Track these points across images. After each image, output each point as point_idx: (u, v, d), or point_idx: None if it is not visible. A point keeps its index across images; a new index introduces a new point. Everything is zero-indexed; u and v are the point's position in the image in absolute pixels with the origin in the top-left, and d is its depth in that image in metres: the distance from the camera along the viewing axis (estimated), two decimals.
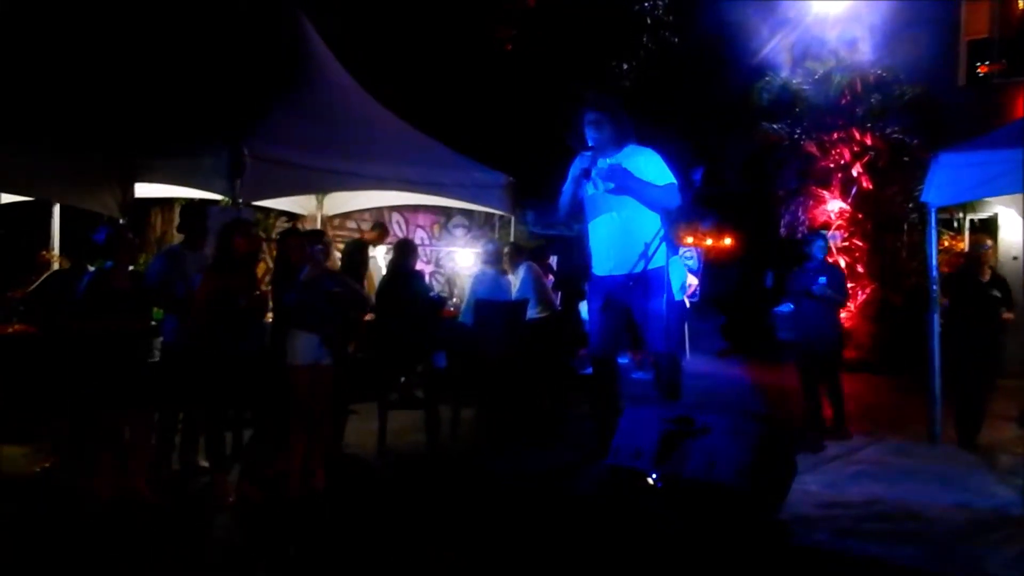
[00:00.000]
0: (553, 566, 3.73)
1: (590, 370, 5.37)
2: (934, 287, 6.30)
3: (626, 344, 7.91)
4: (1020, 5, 13.40)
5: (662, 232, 4.70)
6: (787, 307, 6.88)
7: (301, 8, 7.37)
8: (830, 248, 6.83)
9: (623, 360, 8.79)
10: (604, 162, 4.83)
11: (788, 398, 7.27)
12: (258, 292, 5.04)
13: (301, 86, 6.75)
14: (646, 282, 4.74)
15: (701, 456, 3.84)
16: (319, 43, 7.37)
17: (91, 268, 5.20)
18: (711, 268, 13.15)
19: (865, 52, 11.15)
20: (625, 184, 4.77)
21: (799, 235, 11.51)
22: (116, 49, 6.65)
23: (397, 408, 6.20)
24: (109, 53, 6.61)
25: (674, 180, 4.85)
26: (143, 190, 6.63)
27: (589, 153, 4.85)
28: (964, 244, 11.86)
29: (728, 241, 15.41)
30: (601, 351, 5.09)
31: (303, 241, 5.13)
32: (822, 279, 6.37)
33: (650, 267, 4.72)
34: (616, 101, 5.32)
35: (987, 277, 6.37)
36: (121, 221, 6.02)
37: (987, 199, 9.89)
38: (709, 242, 15.37)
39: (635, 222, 4.83)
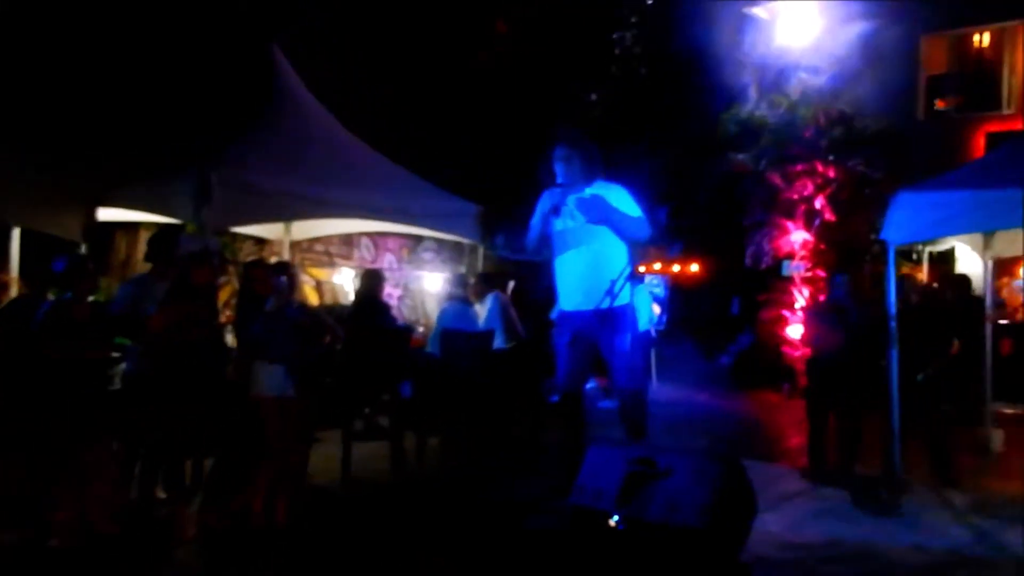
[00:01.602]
0: None
1: (556, 398, 5.39)
2: (892, 323, 6.40)
3: (593, 373, 7.96)
4: (976, 43, 13.82)
5: (628, 270, 4.77)
6: None
7: (276, 34, 7.37)
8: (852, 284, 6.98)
9: (591, 385, 8.81)
10: (586, 191, 4.87)
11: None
12: (216, 322, 5.01)
13: (270, 114, 6.73)
14: (612, 319, 4.80)
15: (663, 498, 3.85)
16: (290, 72, 7.36)
17: (50, 297, 5.13)
18: (678, 295, 13.28)
19: (828, 86, 11.37)
20: (604, 214, 4.80)
21: (763, 265, 11.70)
22: (85, 74, 6.60)
23: (362, 439, 6.16)
24: (77, 78, 6.55)
25: (642, 214, 4.93)
26: (107, 213, 6.56)
27: (559, 189, 4.91)
28: (923, 275, 12.14)
29: (695, 268, 15.58)
30: (568, 386, 5.11)
31: (268, 272, 5.11)
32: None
33: (616, 304, 4.77)
34: (586, 137, 5.38)
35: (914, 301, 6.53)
36: (82, 248, 5.95)
37: None
38: (676, 268, 15.54)
39: (603, 258, 4.88)
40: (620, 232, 4.85)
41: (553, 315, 7.55)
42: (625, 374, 4.81)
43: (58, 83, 6.55)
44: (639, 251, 5.07)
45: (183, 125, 6.19)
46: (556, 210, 4.87)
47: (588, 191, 4.88)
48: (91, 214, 6.27)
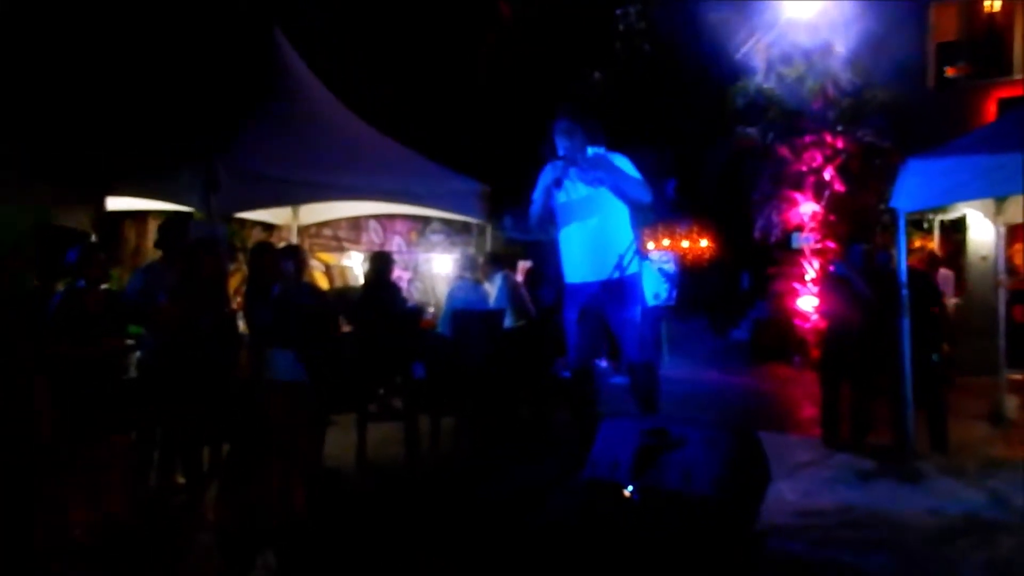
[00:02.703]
0: None
1: (567, 374, 5.40)
2: (904, 291, 6.38)
3: (604, 349, 7.97)
4: (986, 8, 13.64)
5: (634, 244, 4.77)
6: None
7: (280, 18, 7.35)
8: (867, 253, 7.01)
9: (602, 363, 8.82)
10: (590, 150, 4.85)
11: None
12: (226, 310, 5.03)
13: (275, 99, 6.73)
14: (621, 290, 4.81)
15: (678, 468, 3.87)
16: (294, 56, 7.35)
17: (60, 288, 5.15)
18: (689, 271, 13.26)
19: (836, 57, 11.27)
20: (607, 174, 4.79)
21: (772, 239, 11.66)
22: (90, 65, 6.62)
23: (376, 420, 6.19)
24: (84, 69, 6.57)
25: (642, 179, 4.93)
26: (116, 203, 6.59)
27: (561, 162, 4.90)
28: (935, 244, 12.07)
29: (704, 243, 15.57)
30: (579, 362, 5.12)
31: (276, 257, 5.11)
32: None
33: (625, 275, 4.77)
34: (587, 111, 5.38)
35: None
36: (93, 238, 5.98)
37: None
38: (686, 244, 15.53)
39: (607, 229, 4.88)
40: (621, 192, 4.83)
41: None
42: (636, 347, 4.81)
43: (63, 75, 6.56)
44: (645, 225, 5.07)
45: (189, 112, 6.19)
46: (559, 183, 4.86)
47: (591, 150, 4.88)
48: (100, 204, 6.30)
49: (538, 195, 5.02)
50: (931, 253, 9.67)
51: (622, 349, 5.02)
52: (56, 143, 6.03)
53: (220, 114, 6.24)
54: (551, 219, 5.09)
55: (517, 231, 11.28)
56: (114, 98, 6.35)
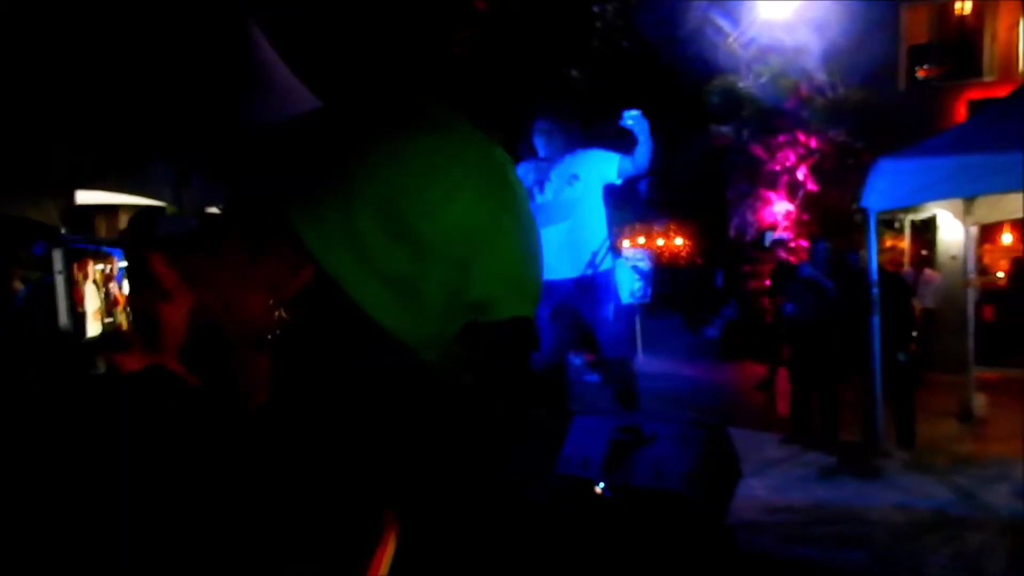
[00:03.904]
0: None
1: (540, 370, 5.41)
2: (875, 290, 6.45)
3: (578, 346, 7.98)
4: (957, 11, 13.83)
5: (608, 242, 4.80)
6: None
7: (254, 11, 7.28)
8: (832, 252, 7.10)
9: (576, 361, 8.82)
10: (629, 114, 4.74)
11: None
12: None
13: (248, 92, 6.66)
14: (594, 288, 4.83)
15: (649, 465, 3.89)
16: (268, 49, 7.28)
17: (18, 286, 5.05)
18: (664, 268, 13.31)
19: (809, 56, 11.37)
20: (647, 131, 4.71)
21: (747, 237, 11.75)
22: (61, 56, 6.51)
23: None
24: (54, 60, 6.46)
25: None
26: (86, 196, 6.50)
27: (545, 163, 4.91)
28: (906, 244, 12.22)
29: (679, 241, 15.66)
30: (552, 358, 5.13)
31: None
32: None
33: (599, 271, 4.80)
34: (566, 111, 5.38)
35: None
36: (62, 231, 5.90)
37: None
38: (661, 242, 15.61)
39: (583, 229, 4.90)
40: (645, 154, 4.74)
41: None
42: (610, 343, 4.85)
43: (33, 65, 6.45)
44: (620, 223, 5.09)
45: (162, 105, 6.10)
46: (540, 184, 4.87)
47: (566, 164, 4.89)
48: (70, 197, 6.22)
49: None
50: (918, 255, 9.82)
51: (597, 346, 5.04)
52: (24, 134, 5.92)
53: (193, 106, 6.16)
54: None
55: None
56: (84, 90, 6.24)
